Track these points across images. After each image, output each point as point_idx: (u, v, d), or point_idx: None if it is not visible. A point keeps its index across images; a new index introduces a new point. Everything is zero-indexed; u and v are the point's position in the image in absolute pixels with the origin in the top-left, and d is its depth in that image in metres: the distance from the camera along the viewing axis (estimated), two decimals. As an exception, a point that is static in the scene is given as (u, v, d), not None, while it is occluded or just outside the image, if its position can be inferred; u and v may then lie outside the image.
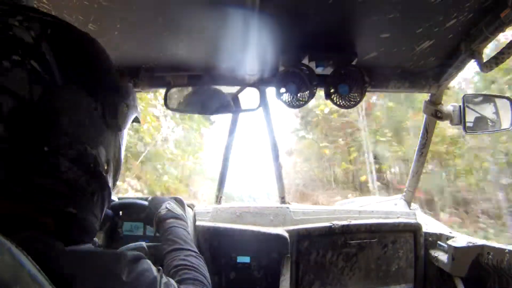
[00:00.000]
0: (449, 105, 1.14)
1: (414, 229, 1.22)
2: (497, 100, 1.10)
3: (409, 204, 1.39)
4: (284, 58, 0.91)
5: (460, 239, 1.10)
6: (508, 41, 0.76)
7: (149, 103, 5.31)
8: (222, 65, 0.98)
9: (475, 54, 0.83)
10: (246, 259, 1.11)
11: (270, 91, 1.09)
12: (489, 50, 0.91)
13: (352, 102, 0.93)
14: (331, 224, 1.15)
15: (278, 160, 1.37)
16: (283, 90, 0.93)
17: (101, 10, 0.71)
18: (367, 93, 0.96)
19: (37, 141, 0.36)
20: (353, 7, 0.72)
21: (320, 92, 0.98)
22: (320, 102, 7.39)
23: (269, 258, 1.10)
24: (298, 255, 1.13)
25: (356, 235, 1.17)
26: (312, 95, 0.93)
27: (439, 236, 1.19)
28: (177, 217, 0.76)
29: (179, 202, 0.97)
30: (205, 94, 1.03)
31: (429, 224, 1.30)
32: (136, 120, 0.55)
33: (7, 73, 0.34)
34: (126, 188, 5.13)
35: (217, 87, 1.04)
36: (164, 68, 1.00)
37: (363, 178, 8.11)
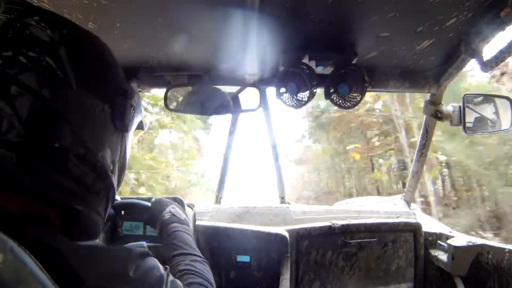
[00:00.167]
0: (449, 105, 1.14)
1: (414, 229, 1.22)
2: (497, 100, 1.10)
3: (409, 204, 1.39)
4: (284, 57, 0.91)
5: (460, 239, 1.10)
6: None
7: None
8: (222, 65, 0.98)
9: (475, 54, 0.83)
10: (246, 259, 1.11)
11: (270, 91, 1.09)
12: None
13: (352, 102, 0.93)
14: (331, 224, 1.15)
15: (278, 160, 1.37)
16: (283, 90, 0.93)
17: (101, 9, 0.71)
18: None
19: (49, 138, 0.37)
20: (353, 7, 0.72)
21: (320, 93, 0.98)
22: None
23: (269, 257, 1.10)
24: (298, 255, 1.13)
25: (356, 234, 1.17)
26: (312, 95, 0.93)
27: (439, 236, 1.19)
28: (181, 222, 0.75)
29: (179, 202, 0.97)
30: (205, 94, 1.03)
31: (429, 224, 1.30)
32: (140, 126, 0.56)
33: (24, 70, 0.35)
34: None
35: (217, 87, 1.04)
36: (164, 68, 1.00)
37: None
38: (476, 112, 1.10)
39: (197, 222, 1.11)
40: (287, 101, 0.94)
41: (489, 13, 0.73)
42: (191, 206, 1.18)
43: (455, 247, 1.05)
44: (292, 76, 0.90)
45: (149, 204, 0.86)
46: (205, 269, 0.60)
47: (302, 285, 1.14)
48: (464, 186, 6.00)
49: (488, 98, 1.12)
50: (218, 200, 1.39)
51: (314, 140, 8.46)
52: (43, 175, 0.36)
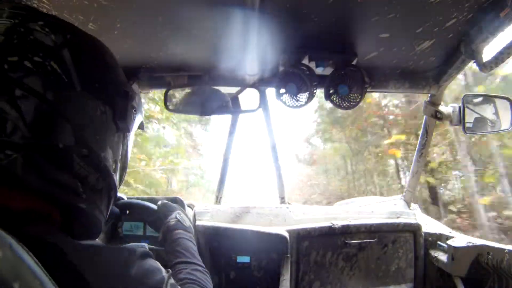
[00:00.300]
0: (449, 105, 1.14)
1: (414, 229, 1.22)
2: (497, 101, 1.10)
3: (409, 204, 1.39)
4: (284, 58, 0.91)
5: (460, 239, 1.10)
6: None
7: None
8: (222, 65, 0.98)
9: (475, 54, 0.83)
10: (246, 259, 1.11)
11: (270, 91, 1.09)
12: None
13: (352, 103, 0.93)
14: (331, 224, 1.15)
15: (278, 161, 1.37)
16: (283, 90, 0.93)
17: (101, 9, 0.71)
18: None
19: (53, 139, 0.38)
20: (353, 7, 0.72)
21: (320, 93, 0.98)
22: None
23: (269, 258, 1.10)
24: (298, 255, 1.13)
25: (356, 235, 1.17)
26: (312, 96, 0.93)
27: (439, 236, 1.19)
28: (186, 229, 0.75)
29: (179, 202, 0.97)
30: (205, 95, 1.03)
31: (429, 224, 1.30)
32: (141, 125, 0.57)
33: (29, 74, 0.36)
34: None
35: (217, 87, 1.04)
36: (164, 68, 1.00)
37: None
38: (476, 112, 1.10)
39: (197, 222, 1.11)
40: (287, 101, 0.94)
41: (489, 13, 0.73)
42: (191, 206, 1.18)
43: (455, 247, 1.05)
44: (292, 77, 0.90)
45: (155, 207, 0.86)
46: (206, 279, 0.60)
47: (302, 285, 1.14)
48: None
49: (488, 98, 1.13)
50: (218, 200, 1.39)
51: (326, 138, 7.60)
52: (48, 174, 0.37)
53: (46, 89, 0.37)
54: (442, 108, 1.13)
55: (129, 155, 0.53)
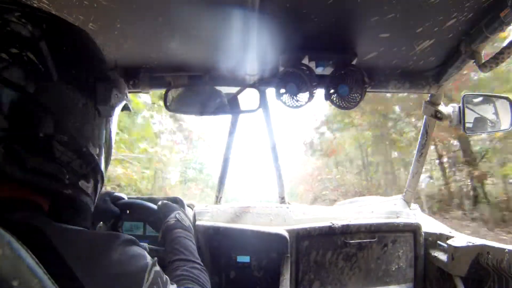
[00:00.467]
0: (448, 105, 1.14)
1: (414, 229, 1.22)
2: (497, 101, 1.10)
3: (409, 204, 1.39)
4: (284, 58, 0.91)
5: (460, 239, 1.10)
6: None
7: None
8: (222, 65, 0.97)
9: (475, 54, 0.83)
10: (246, 259, 1.11)
11: (270, 91, 1.09)
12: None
13: (352, 103, 0.93)
14: (331, 224, 1.15)
15: (278, 161, 1.37)
16: (283, 90, 0.93)
17: (101, 9, 0.71)
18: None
19: (33, 129, 0.38)
20: (352, 7, 0.72)
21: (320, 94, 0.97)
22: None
23: (269, 258, 1.10)
24: (298, 255, 1.13)
25: (356, 235, 1.17)
26: (312, 96, 0.93)
27: (439, 236, 1.19)
28: (185, 228, 0.76)
29: (179, 202, 0.97)
30: (205, 95, 1.03)
31: (429, 224, 1.30)
32: (126, 108, 0.58)
33: (7, 66, 0.37)
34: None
35: (217, 87, 1.04)
36: (164, 68, 1.00)
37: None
38: (476, 112, 1.10)
39: (197, 222, 1.11)
40: (287, 101, 0.94)
41: (489, 13, 0.73)
42: (191, 206, 1.18)
43: (455, 247, 1.05)
44: (292, 77, 0.90)
45: (155, 207, 0.86)
46: (203, 276, 0.60)
47: (302, 285, 1.14)
48: None
49: (488, 98, 1.13)
50: (218, 200, 1.39)
51: (346, 122, 6.24)
52: (29, 164, 0.38)
53: (23, 80, 0.37)
54: (442, 108, 1.13)
55: (114, 138, 0.54)
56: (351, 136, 6.42)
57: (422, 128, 1.26)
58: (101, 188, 0.51)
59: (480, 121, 1.10)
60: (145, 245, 0.86)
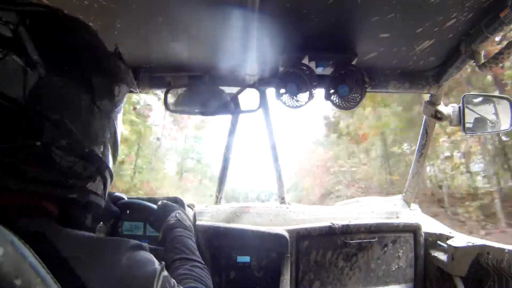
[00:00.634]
0: (448, 105, 1.14)
1: (414, 229, 1.22)
2: (497, 101, 1.10)
3: (409, 204, 1.39)
4: (284, 58, 0.91)
5: (460, 239, 1.10)
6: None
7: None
8: (222, 65, 0.98)
9: (475, 54, 0.83)
10: (246, 259, 1.11)
11: (270, 92, 1.09)
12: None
13: (352, 103, 0.93)
14: (331, 224, 1.15)
15: (278, 161, 1.37)
16: (283, 90, 0.93)
17: (101, 9, 0.71)
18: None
19: (30, 138, 0.37)
20: (353, 7, 0.72)
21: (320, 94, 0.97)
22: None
23: (269, 258, 1.10)
24: (298, 255, 1.13)
25: (356, 235, 1.17)
26: (312, 96, 0.93)
27: (439, 236, 1.19)
28: (185, 227, 0.76)
29: (179, 202, 0.97)
30: (205, 95, 1.03)
31: (429, 224, 1.30)
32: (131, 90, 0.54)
33: None
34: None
35: (217, 87, 1.04)
36: (164, 68, 1.00)
37: None
38: (476, 112, 1.10)
39: (197, 222, 1.11)
40: (287, 101, 0.94)
41: (489, 13, 0.73)
42: (191, 206, 1.18)
43: (455, 247, 1.05)
44: (292, 77, 0.90)
45: (155, 206, 0.87)
46: (205, 275, 0.60)
47: (302, 285, 1.14)
48: None
49: (488, 98, 1.13)
50: (218, 200, 1.39)
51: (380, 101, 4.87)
52: (28, 174, 0.37)
53: (11, 88, 0.35)
54: (442, 108, 1.13)
55: (119, 131, 0.51)
56: (383, 120, 5.07)
57: (422, 128, 1.26)
58: (110, 184, 0.49)
59: (480, 122, 1.10)
60: (146, 245, 0.86)
